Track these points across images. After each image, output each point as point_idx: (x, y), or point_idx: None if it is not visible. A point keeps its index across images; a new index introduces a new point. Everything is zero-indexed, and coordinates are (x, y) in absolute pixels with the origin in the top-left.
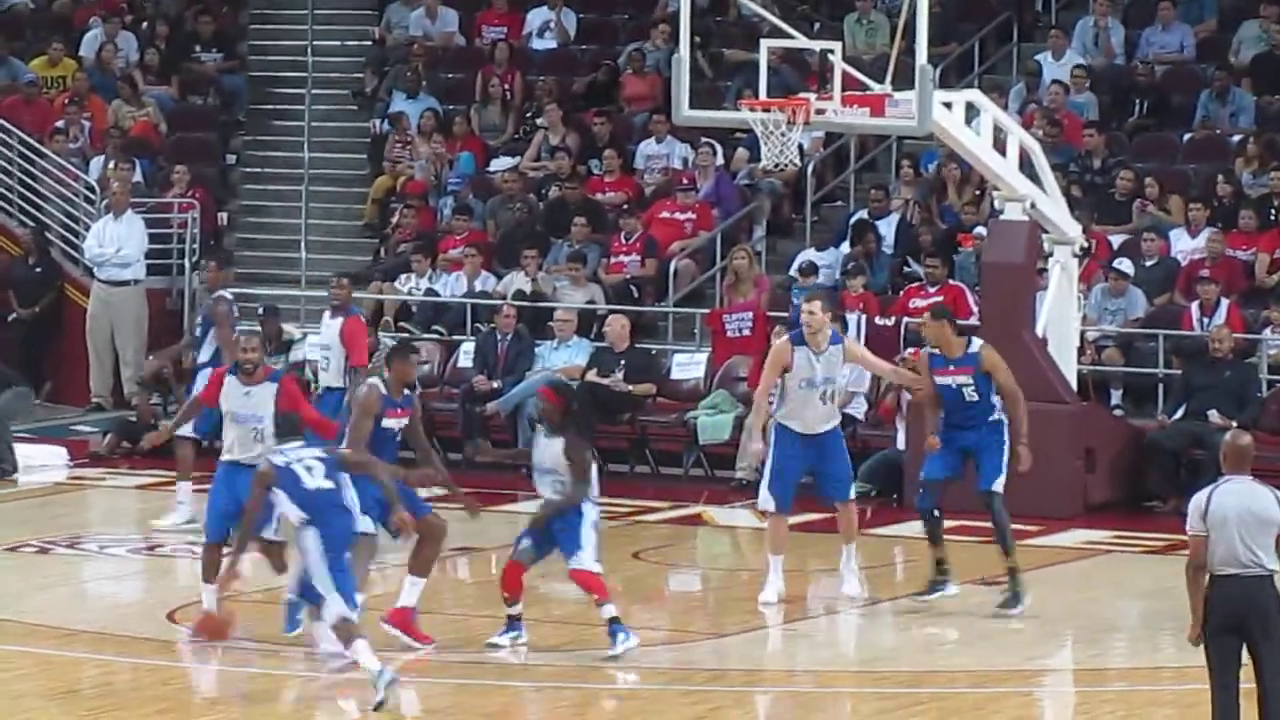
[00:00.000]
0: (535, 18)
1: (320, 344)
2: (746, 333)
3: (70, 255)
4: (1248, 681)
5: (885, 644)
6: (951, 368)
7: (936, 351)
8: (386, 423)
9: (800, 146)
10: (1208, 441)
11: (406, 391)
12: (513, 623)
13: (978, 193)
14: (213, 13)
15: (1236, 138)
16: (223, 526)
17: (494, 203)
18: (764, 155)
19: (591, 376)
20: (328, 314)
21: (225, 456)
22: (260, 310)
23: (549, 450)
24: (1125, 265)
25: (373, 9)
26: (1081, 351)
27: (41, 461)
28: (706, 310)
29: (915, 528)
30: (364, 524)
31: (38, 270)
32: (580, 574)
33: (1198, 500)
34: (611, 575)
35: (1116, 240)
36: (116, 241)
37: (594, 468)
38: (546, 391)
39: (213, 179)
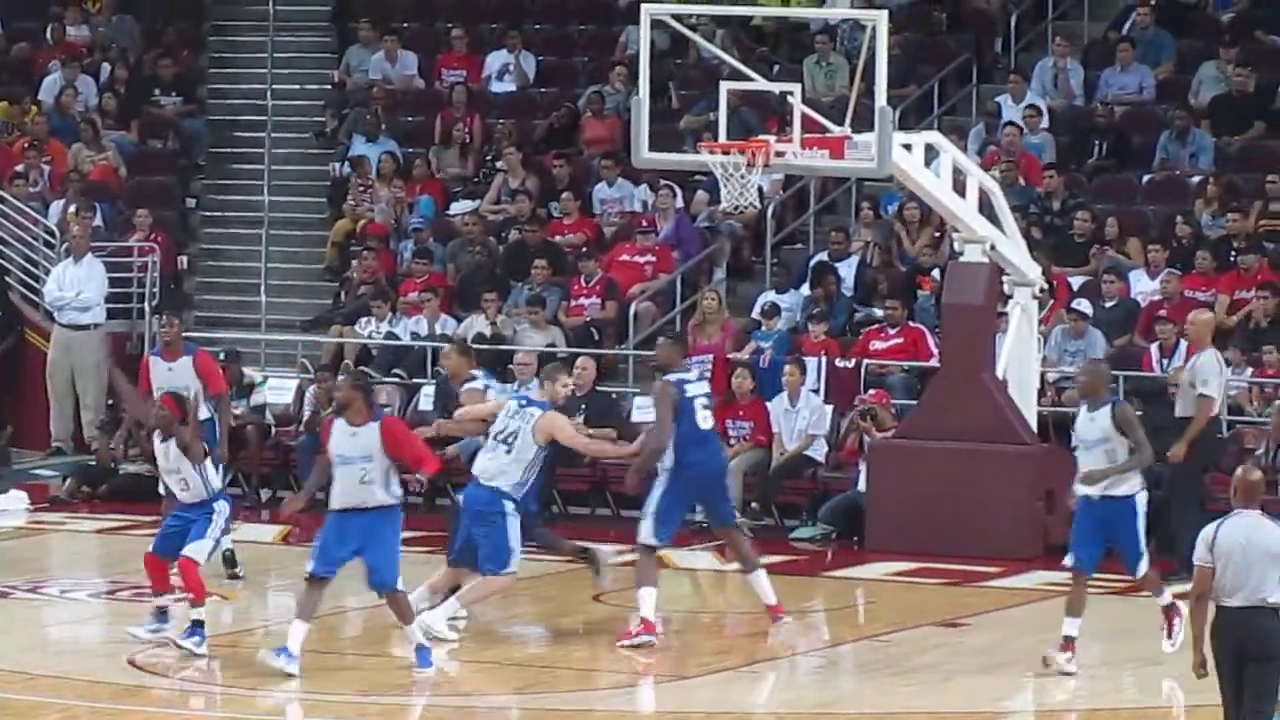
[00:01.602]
0: (494, 61)
1: (177, 388)
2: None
3: (30, 300)
4: None
5: (846, 686)
6: None
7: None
8: None
9: (760, 189)
10: (1167, 482)
11: None
12: (160, 615)
13: (937, 234)
14: (172, 56)
15: (1196, 179)
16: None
17: (454, 246)
18: (724, 198)
19: None
20: (156, 358)
21: (333, 505)
22: (221, 354)
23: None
24: (1084, 306)
25: (332, 52)
26: (1042, 393)
27: (2, 506)
28: None
29: (877, 569)
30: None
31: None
32: (185, 561)
33: (1207, 531)
34: (573, 618)
35: (1076, 281)
36: (76, 285)
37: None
38: (167, 400)
39: (173, 223)
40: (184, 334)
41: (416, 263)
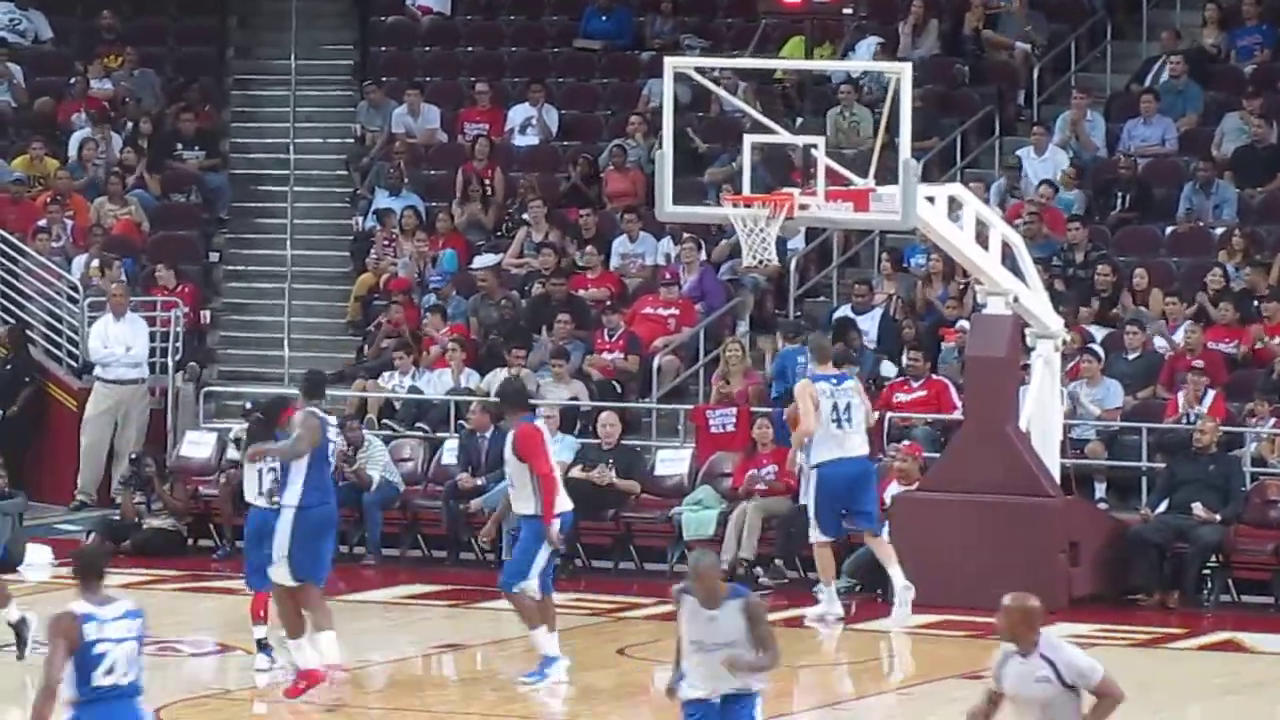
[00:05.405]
0: (517, 114)
1: None
2: (730, 428)
3: (53, 354)
4: None
5: None
6: None
7: None
8: None
9: (781, 240)
10: (1191, 535)
11: None
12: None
13: (961, 287)
14: (194, 111)
15: (1219, 230)
16: None
17: (476, 300)
18: (744, 253)
19: (576, 472)
20: None
21: None
22: (248, 405)
23: None
24: (1099, 351)
25: (354, 106)
26: (1064, 446)
27: (28, 560)
28: (690, 406)
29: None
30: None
31: (9, 368)
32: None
33: None
34: (597, 671)
35: (1099, 334)
36: (123, 341)
37: None
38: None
39: (196, 277)
40: (207, 388)
41: (437, 316)
